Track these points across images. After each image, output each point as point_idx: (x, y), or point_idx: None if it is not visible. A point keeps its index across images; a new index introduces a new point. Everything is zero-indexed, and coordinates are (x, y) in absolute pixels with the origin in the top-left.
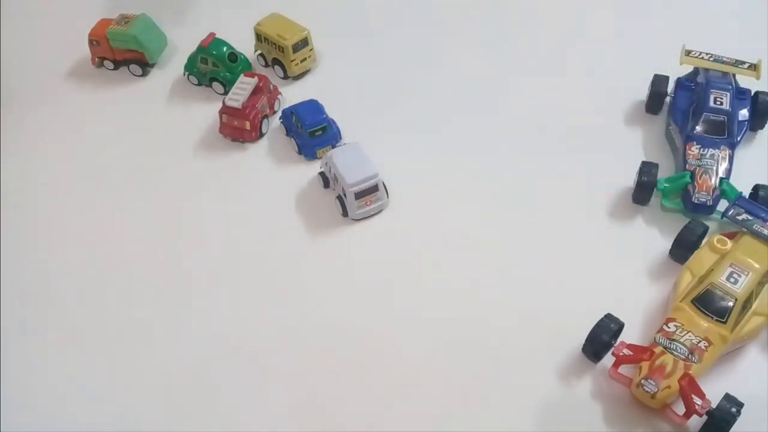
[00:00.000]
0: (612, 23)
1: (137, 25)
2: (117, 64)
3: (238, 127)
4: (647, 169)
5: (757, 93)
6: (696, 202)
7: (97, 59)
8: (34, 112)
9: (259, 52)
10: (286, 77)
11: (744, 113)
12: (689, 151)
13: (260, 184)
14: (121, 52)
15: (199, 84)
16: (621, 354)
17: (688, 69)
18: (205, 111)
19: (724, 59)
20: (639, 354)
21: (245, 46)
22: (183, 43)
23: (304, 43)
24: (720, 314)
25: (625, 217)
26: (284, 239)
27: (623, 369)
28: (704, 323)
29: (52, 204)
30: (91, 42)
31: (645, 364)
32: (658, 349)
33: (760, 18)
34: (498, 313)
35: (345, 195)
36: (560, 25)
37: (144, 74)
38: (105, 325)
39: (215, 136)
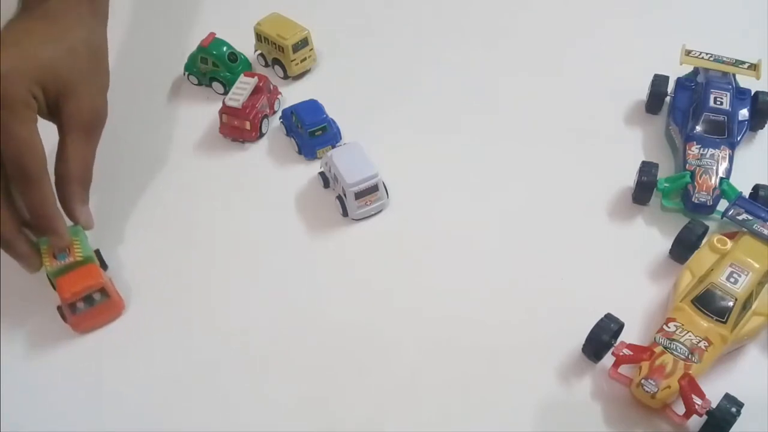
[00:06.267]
0: (612, 23)
1: (78, 235)
2: None
3: (238, 127)
4: (647, 169)
5: (757, 93)
6: (696, 202)
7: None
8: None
9: (259, 52)
10: (286, 77)
11: (744, 113)
12: (689, 151)
13: (260, 184)
14: None
15: (199, 84)
16: (621, 354)
17: (688, 69)
18: (205, 111)
19: (724, 59)
20: (639, 354)
21: (245, 46)
22: (183, 43)
23: (304, 43)
24: (720, 314)
25: (625, 217)
26: (284, 239)
27: (623, 369)
28: (704, 323)
29: None
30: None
31: (645, 364)
32: (658, 349)
33: (760, 18)
34: (498, 312)
35: (345, 195)
36: (560, 25)
37: None
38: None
39: (215, 136)
